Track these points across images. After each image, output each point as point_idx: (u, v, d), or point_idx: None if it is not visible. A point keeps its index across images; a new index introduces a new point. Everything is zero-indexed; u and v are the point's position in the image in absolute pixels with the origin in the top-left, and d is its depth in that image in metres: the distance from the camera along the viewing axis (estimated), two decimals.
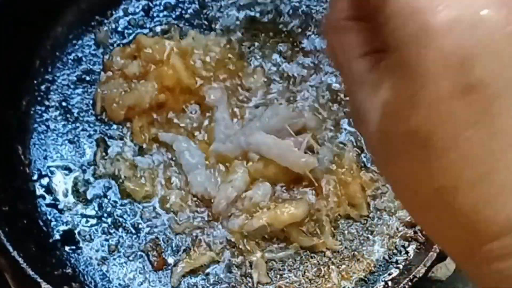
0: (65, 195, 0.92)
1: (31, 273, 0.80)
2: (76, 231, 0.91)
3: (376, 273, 0.89)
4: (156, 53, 0.95)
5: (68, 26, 0.99)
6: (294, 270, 0.89)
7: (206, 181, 0.91)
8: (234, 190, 0.90)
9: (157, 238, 0.90)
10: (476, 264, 0.40)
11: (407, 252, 0.89)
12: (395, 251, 0.90)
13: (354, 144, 0.94)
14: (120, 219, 0.91)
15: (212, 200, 0.90)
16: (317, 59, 0.98)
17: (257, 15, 1.01)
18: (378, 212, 0.91)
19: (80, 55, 0.99)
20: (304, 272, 0.89)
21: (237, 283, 0.89)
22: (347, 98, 0.90)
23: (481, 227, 0.39)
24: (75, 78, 0.98)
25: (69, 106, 0.96)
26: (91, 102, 0.96)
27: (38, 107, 0.96)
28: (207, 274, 0.89)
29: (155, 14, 1.01)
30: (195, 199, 0.91)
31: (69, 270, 0.89)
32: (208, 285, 0.89)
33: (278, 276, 0.89)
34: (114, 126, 0.95)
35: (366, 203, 0.91)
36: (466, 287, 0.94)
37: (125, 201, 0.92)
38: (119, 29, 1.00)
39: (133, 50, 0.97)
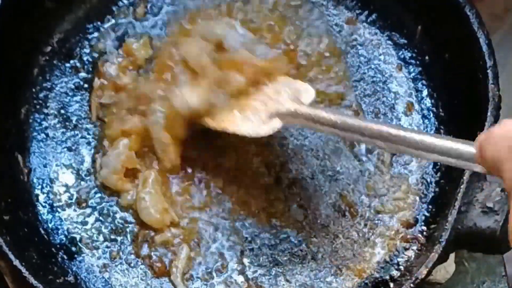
0: (66, 203, 0.92)
1: (34, 281, 0.80)
2: (77, 239, 0.90)
3: (377, 275, 0.89)
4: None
5: (65, 34, 0.99)
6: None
7: None
8: None
9: (158, 244, 0.90)
10: None
11: (408, 254, 0.89)
12: (396, 252, 0.90)
13: None
14: (121, 225, 0.91)
15: None
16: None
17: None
18: (379, 214, 0.92)
19: (77, 63, 0.99)
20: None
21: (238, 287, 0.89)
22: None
23: None
24: (73, 86, 0.98)
25: (68, 114, 0.96)
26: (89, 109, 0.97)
27: (37, 115, 0.96)
28: (208, 279, 0.89)
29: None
30: (196, 204, 0.92)
31: (71, 278, 0.88)
32: None
33: None
34: None
35: None
36: None
37: (126, 207, 0.92)
38: (117, 36, 1.00)
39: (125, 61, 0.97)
